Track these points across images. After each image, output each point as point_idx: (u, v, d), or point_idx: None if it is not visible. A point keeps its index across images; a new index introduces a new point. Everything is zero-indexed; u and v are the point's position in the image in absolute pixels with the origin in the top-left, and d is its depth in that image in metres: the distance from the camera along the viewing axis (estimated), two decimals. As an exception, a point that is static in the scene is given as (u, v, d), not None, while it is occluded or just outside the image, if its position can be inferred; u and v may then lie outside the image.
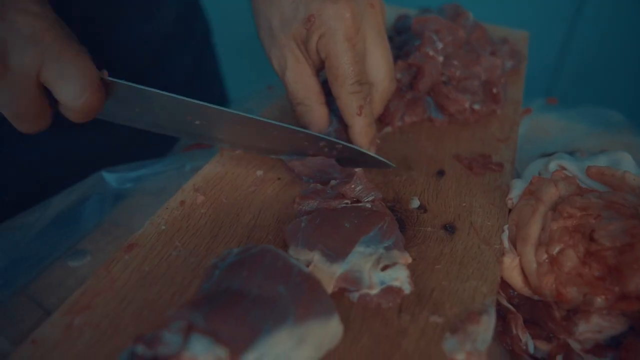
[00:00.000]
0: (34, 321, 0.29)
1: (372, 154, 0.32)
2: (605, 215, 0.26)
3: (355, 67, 0.31)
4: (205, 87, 0.60)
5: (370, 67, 0.33)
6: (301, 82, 0.33)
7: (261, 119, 0.30)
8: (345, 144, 0.31)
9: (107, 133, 0.42)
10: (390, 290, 0.24)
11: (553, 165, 0.31)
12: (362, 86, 0.32)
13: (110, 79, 0.28)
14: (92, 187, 0.36)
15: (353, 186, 0.28)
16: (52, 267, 0.32)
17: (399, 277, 0.24)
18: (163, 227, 0.28)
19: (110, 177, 0.37)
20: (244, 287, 0.21)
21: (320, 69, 0.34)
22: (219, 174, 0.32)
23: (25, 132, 0.27)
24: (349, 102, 0.31)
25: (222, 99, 0.62)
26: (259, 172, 0.32)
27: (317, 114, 0.33)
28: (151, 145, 0.40)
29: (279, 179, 0.32)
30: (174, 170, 0.38)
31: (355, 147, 0.32)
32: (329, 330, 0.21)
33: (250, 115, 0.30)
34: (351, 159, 0.32)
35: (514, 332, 0.27)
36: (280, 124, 0.30)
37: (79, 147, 0.43)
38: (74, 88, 0.26)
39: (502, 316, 0.27)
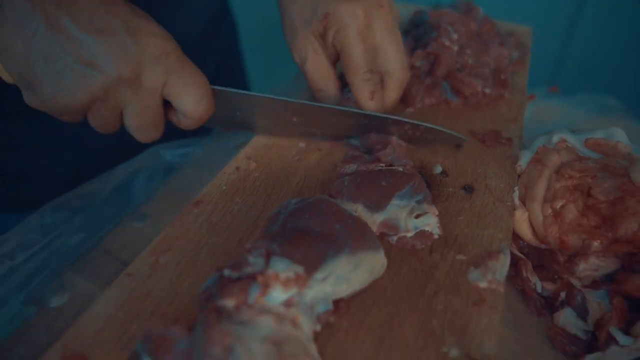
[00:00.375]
0: (112, 271, 0.34)
1: (444, 129, 0.36)
2: (600, 176, 0.31)
3: (366, 58, 0.36)
4: (230, 85, 0.64)
5: (384, 59, 0.37)
6: (319, 71, 0.38)
7: (347, 108, 0.35)
8: (416, 122, 0.36)
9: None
10: (422, 234, 0.29)
11: (556, 138, 0.36)
12: (373, 75, 0.37)
13: (217, 87, 0.32)
14: (148, 161, 0.41)
15: (388, 152, 0.33)
16: (120, 227, 0.37)
17: (430, 223, 0.29)
18: (224, 187, 0.33)
19: (164, 152, 0.42)
20: (306, 226, 0.26)
21: (336, 61, 0.39)
22: (267, 145, 0.37)
23: (143, 142, 0.32)
24: (361, 88, 0.36)
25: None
26: (301, 144, 0.37)
27: (333, 99, 0.38)
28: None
29: (319, 149, 0.37)
30: (218, 147, 0.43)
31: (427, 124, 0.36)
32: (377, 261, 0.26)
33: (340, 107, 0.35)
34: (418, 138, 0.37)
35: (525, 275, 0.31)
36: (364, 112, 0.35)
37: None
38: (194, 99, 0.30)
39: (514, 263, 0.32)
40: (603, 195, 0.30)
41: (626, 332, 0.27)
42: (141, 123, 0.30)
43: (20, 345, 0.29)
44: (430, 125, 0.36)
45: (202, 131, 0.46)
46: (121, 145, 0.44)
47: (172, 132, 0.45)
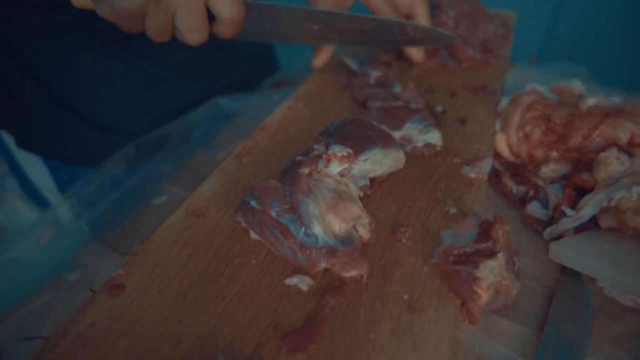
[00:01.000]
0: (195, 183, 0.45)
1: (438, 29, 0.48)
2: (557, 107, 0.43)
3: None
4: (259, 60, 0.75)
5: None
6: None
7: (358, 15, 0.46)
8: (418, 25, 0.47)
9: (213, 78, 0.58)
10: (429, 145, 0.40)
11: (528, 87, 0.48)
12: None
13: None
14: (211, 109, 0.53)
15: (406, 93, 0.44)
16: (196, 155, 0.48)
17: (434, 137, 0.40)
18: (279, 119, 0.44)
19: (223, 103, 0.53)
20: (350, 132, 0.37)
21: None
22: (310, 92, 0.49)
23: (193, 44, 0.39)
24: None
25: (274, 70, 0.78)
26: (332, 98, 0.49)
27: None
28: (245, 85, 0.57)
29: (352, 98, 0.48)
30: (265, 100, 0.55)
31: (426, 25, 0.47)
32: (399, 156, 0.37)
33: (353, 13, 0.45)
34: (417, 39, 0.48)
35: (504, 182, 0.43)
36: (374, 16, 0.46)
37: (201, 88, 0.58)
38: (229, 2, 0.37)
39: (496, 173, 0.44)
40: (559, 119, 0.41)
41: (573, 209, 0.38)
42: (189, 25, 0.37)
43: (139, 227, 0.41)
44: (428, 26, 0.48)
45: (251, 88, 0.57)
46: (189, 97, 0.56)
47: (230, 86, 0.56)
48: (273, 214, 0.31)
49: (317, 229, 0.30)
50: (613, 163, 0.37)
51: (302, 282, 0.29)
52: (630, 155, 0.38)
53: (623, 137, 0.39)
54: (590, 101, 0.42)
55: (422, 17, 0.49)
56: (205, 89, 0.55)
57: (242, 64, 0.63)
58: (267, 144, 0.41)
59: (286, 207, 0.31)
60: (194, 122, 0.51)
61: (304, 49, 0.58)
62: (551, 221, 0.39)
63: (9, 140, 0.60)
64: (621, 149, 0.38)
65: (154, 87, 0.56)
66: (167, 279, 0.29)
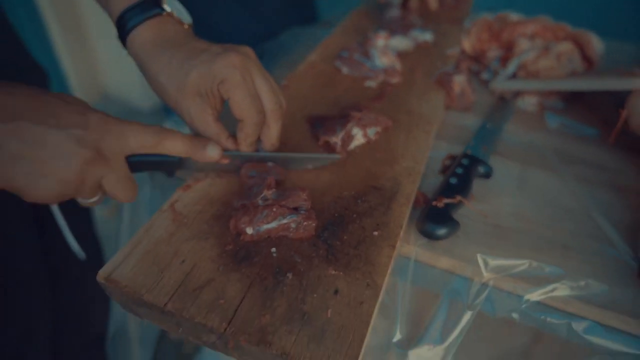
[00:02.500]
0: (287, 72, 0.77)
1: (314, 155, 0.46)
2: (496, 23, 0.77)
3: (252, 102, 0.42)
4: (299, 9, 1.05)
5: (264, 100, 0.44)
6: (205, 124, 0.43)
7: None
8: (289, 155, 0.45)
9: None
10: (426, 41, 0.74)
11: (481, 15, 0.82)
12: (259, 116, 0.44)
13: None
14: (291, 35, 0.85)
15: (414, 19, 0.78)
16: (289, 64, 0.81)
17: (428, 36, 0.74)
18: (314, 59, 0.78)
19: (298, 31, 0.86)
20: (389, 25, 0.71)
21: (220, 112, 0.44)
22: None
23: (126, 202, 0.39)
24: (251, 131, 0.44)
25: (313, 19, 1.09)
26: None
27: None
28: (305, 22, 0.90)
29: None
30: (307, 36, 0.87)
31: (298, 155, 0.46)
32: (410, 43, 0.71)
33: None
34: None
35: (466, 64, 0.77)
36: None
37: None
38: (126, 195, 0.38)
39: (463, 59, 0.78)
40: (497, 28, 0.76)
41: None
42: (121, 187, 0.37)
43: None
44: (298, 155, 0.46)
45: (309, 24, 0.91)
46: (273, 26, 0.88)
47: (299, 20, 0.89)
48: (355, 57, 0.65)
49: (376, 61, 0.63)
50: (522, 44, 0.71)
51: (370, 83, 0.62)
52: (532, 41, 0.72)
53: (529, 32, 0.73)
54: (513, 17, 0.76)
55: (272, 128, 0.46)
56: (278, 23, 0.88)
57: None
58: (309, 81, 0.75)
59: (362, 54, 0.65)
60: (279, 43, 0.84)
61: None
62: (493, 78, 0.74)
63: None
64: (526, 38, 0.73)
65: (245, 19, 0.88)
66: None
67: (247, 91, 0.42)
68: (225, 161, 0.43)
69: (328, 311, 0.33)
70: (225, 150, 0.44)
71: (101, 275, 0.36)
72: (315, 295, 0.34)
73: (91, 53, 2.28)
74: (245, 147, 0.44)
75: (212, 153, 0.41)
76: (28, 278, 0.66)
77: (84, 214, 0.81)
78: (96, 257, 0.85)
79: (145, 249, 0.38)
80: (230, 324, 0.33)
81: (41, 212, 0.68)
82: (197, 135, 0.43)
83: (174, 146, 0.39)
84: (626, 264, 0.44)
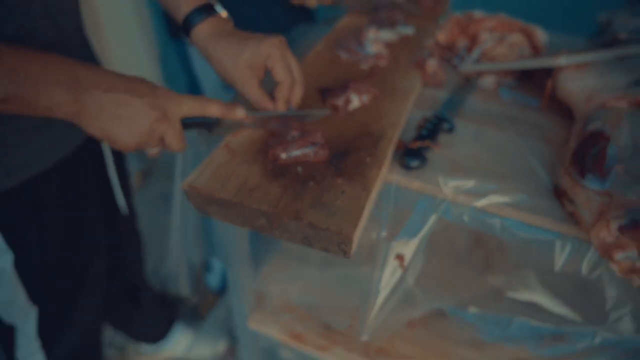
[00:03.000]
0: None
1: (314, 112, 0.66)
2: (465, 20, 0.96)
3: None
4: (301, 12, 1.26)
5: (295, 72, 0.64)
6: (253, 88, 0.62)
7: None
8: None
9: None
10: (407, 34, 0.93)
11: (451, 15, 1.01)
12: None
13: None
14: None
15: (398, 16, 0.97)
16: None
17: (409, 30, 0.93)
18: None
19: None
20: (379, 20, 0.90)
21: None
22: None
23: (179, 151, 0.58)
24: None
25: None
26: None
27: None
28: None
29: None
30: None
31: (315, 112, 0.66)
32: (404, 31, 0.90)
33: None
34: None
35: (440, 54, 0.96)
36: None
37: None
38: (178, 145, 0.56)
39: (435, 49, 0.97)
40: (466, 22, 0.95)
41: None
42: (176, 141, 0.54)
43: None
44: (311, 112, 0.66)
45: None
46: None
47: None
48: (352, 46, 0.83)
49: (368, 49, 0.82)
50: (483, 36, 0.91)
51: (363, 66, 0.81)
52: (492, 33, 0.91)
53: (490, 26, 0.92)
54: (477, 14, 0.96)
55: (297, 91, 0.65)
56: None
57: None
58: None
59: (357, 44, 0.84)
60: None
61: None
62: (460, 63, 0.93)
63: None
64: (486, 31, 0.92)
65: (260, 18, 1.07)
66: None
67: (285, 63, 0.60)
68: (249, 120, 0.61)
69: (337, 202, 0.52)
70: (257, 111, 0.63)
71: (185, 184, 0.54)
72: (329, 193, 0.53)
73: (108, 61, 2.46)
74: (281, 104, 0.63)
75: (240, 113, 0.59)
76: (93, 221, 0.84)
77: (126, 182, 0.99)
78: (131, 215, 1.02)
79: (211, 170, 0.56)
80: (275, 209, 0.51)
81: (104, 174, 0.86)
82: (246, 102, 0.62)
83: (213, 109, 0.57)
84: (546, 187, 0.63)
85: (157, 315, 1.29)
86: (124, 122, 0.51)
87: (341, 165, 0.57)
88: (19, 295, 0.72)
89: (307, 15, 1.21)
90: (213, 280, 1.55)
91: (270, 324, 1.06)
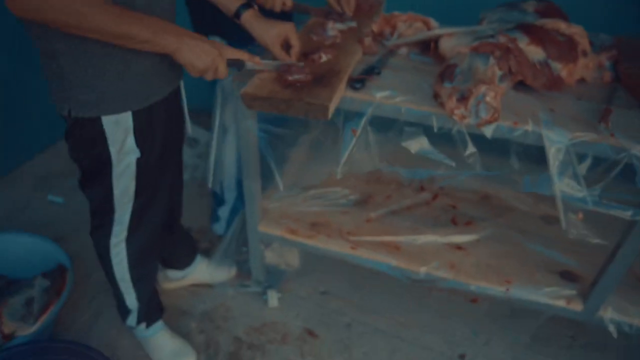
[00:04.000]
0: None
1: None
2: (391, 18, 1.54)
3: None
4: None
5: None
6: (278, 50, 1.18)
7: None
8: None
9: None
10: (352, 27, 1.50)
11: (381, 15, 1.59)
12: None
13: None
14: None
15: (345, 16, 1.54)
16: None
17: (353, 24, 1.50)
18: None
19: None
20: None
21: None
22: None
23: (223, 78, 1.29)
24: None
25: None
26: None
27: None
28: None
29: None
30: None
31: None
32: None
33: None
34: None
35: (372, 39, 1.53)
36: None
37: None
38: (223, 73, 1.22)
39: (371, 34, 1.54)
40: (390, 18, 1.53)
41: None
42: (224, 72, 1.01)
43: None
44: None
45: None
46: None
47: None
48: (319, 31, 1.39)
49: (329, 33, 1.38)
50: (400, 26, 1.48)
51: (327, 42, 1.36)
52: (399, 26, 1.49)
53: (403, 19, 1.51)
54: (396, 13, 1.54)
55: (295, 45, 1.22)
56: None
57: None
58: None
59: (322, 30, 1.39)
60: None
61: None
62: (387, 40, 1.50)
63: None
64: (402, 22, 1.50)
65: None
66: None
67: (295, 36, 1.16)
68: (261, 65, 1.14)
69: (320, 94, 1.06)
70: (271, 60, 1.17)
71: (242, 91, 1.07)
72: (315, 91, 1.07)
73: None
74: (294, 56, 1.19)
75: (256, 59, 1.13)
76: (177, 140, 1.33)
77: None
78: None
79: (254, 85, 1.09)
80: (289, 97, 1.04)
81: (180, 109, 1.34)
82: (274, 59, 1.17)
83: (244, 56, 1.11)
84: (429, 94, 1.18)
85: (184, 244, 1.75)
86: (200, 56, 0.96)
87: (319, 83, 1.11)
88: (131, 186, 1.20)
89: (289, 17, 1.76)
90: (219, 228, 2.03)
91: (273, 226, 1.57)
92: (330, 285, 1.83)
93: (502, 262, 1.43)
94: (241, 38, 1.25)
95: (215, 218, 2.03)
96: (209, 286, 1.82)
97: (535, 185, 1.07)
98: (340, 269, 1.81)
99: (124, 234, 1.29)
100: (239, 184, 1.87)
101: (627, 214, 1.02)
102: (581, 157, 1.04)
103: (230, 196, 1.93)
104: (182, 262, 1.77)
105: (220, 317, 1.72)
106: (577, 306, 1.31)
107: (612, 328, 1.28)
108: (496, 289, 1.36)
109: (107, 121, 1.06)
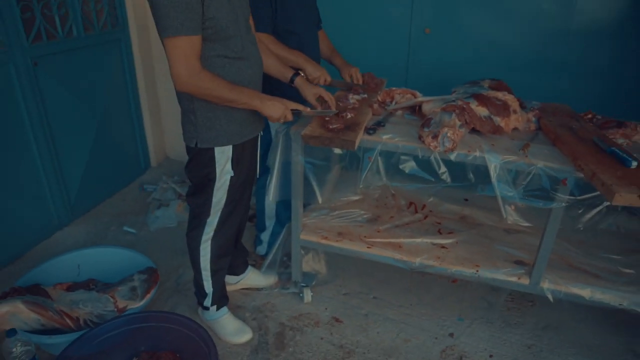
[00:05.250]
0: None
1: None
2: (389, 92, 2.32)
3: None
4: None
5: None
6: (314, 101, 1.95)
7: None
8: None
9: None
10: (364, 97, 2.27)
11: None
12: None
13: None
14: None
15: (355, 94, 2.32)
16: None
17: (364, 96, 2.27)
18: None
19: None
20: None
21: None
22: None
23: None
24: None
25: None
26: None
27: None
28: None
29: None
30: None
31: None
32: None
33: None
34: None
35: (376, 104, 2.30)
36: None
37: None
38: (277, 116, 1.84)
39: (377, 102, 2.30)
40: (389, 92, 2.30)
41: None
42: (290, 117, 1.72)
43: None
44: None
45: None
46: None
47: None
48: (343, 99, 2.16)
49: (350, 101, 2.15)
50: (397, 96, 2.26)
51: (349, 106, 2.12)
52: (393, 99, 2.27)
53: (399, 92, 2.28)
54: (394, 88, 2.32)
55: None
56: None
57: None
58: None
59: (345, 100, 2.16)
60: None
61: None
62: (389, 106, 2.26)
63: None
64: (398, 94, 2.28)
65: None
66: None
67: (329, 95, 1.93)
68: (310, 112, 1.89)
69: (349, 135, 1.79)
70: (315, 109, 1.94)
71: (302, 133, 1.80)
72: (346, 134, 1.80)
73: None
74: (332, 106, 1.96)
75: (307, 109, 1.89)
76: (252, 170, 2.04)
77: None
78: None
79: (309, 129, 1.83)
80: (331, 136, 1.77)
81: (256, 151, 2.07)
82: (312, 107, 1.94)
83: (299, 107, 1.86)
84: (416, 136, 1.91)
85: (241, 256, 2.39)
86: (275, 110, 1.68)
87: (348, 129, 1.85)
88: (223, 198, 1.89)
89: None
90: (261, 250, 2.67)
91: (311, 235, 2.23)
92: (350, 288, 2.44)
93: (473, 256, 2.08)
94: (291, 96, 2.01)
95: (258, 242, 2.68)
96: (257, 289, 2.43)
97: (484, 189, 1.76)
98: (357, 277, 2.44)
99: (211, 234, 1.95)
100: (277, 213, 2.55)
101: (539, 204, 1.70)
102: (509, 171, 1.74)
103: (270, 223, 2.60)
104: (239, 269, 2.40)
105: (268, 309, 2.31)
106: (525, 281, 1.94)
107: (549, 294, 1.90)
108: (469, 272, 1.99)
109: (218, 151, 1.78)
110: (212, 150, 1.78)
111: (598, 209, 1.72)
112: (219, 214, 1.91)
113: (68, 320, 1.91)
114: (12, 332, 1.68)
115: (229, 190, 1.87)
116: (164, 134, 3.71)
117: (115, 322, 1.87)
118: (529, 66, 2.78)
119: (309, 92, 1.95)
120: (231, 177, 1.84)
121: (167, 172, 3.57)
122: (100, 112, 3.04)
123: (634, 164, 1.57)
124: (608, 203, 1.64)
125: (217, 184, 1.84)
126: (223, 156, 1.80)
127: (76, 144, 2.88)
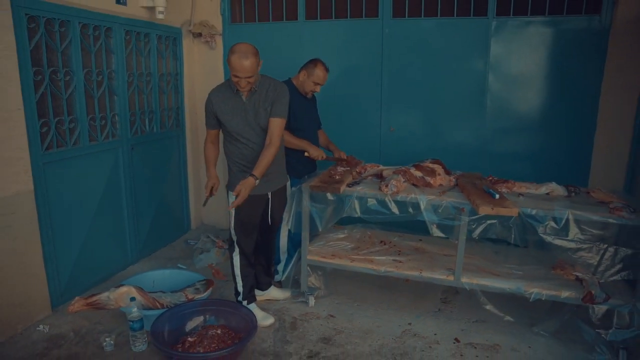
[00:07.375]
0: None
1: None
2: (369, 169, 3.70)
3: None
4: None
5: None
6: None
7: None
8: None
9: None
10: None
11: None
12: None
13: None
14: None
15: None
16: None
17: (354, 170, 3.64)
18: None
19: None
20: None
21: None
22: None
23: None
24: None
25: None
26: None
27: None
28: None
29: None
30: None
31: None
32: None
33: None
34: None
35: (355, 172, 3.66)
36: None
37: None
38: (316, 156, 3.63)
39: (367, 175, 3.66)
40: (379, 169, 3.67)
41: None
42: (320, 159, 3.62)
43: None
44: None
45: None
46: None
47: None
48: (335, 171, 3.53)
49: (339, 170, 3.52)
50: (386, 171, 3.62)
51: (339, 173, 3.47)
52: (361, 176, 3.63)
53: (381, 168, 3.65)
54: (381, 166, 3.70)
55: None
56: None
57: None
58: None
59: (336, 170, 3.53)
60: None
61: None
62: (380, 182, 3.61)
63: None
64: (389, 171, 3.64)
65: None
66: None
67: (339, 154, 3.51)
68: (325, 157, 3.30)
69: (338, 185, 3.12)
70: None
71: (309, 185, 3.13)
72: (336, 185, 3.14)
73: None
74: (343, 156, 3.49)
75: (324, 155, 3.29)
76: (264, 212, 3.33)
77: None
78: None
79: (314, 181, 3.16)
80: (330, 184, 3.10)
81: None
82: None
83: (320, 156, 3.25)
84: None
85: (267, 276, 3.57)
86: (316, 154, 3.24)
87: (336, 182, 3.19)
88: (233, 229, 3.14)
89: (314, 164, 3.89)
90: (277, 277, 3.84)
91: (315, 256, 3.49)
92: (341, 299, 3.59)
93: (420, 266, 3.29)
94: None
95: (275, 272, 3.87)
96: (276, 300, 3.58)
97: (419, 216, 3.04)
98: (346, 293, 3.62)
99: (238, 250, 3.19)
100: (288, 249, 3.78)
101: (451, 222, 2.97)
102: (432, 205, 3.04)
103: (283, 257, 3.82)
104: (264, 285, 3.57)
105: (284, 310, 3.45)
106: (451, 278, 3.14)
107: (467, 286, 3.09)
108: (415, 274, 3.20)
109: (230, 194, 3.10)
110: (227, 192, 3.10)
111: (484, 224, 2.98)
112: (235, 238, 3.15)
113: (158, 305, 3.06)
114: (133, 298, 2.85)
115: (234, 224, 3.10)
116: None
117: (188, 305, 3.04)
118: (463, 151, 4.21)
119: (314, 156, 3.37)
120: (234, 214, 3.08)
121: (203, 232, 4.83)
122: (164, 185, 4.41)
123: (497, 195, 2.89)
124: (492, 220, 2.92)
125: (230, 217, 3.11)
126: (231, 197, 3.08)
127: (148, 208, 4.20)
